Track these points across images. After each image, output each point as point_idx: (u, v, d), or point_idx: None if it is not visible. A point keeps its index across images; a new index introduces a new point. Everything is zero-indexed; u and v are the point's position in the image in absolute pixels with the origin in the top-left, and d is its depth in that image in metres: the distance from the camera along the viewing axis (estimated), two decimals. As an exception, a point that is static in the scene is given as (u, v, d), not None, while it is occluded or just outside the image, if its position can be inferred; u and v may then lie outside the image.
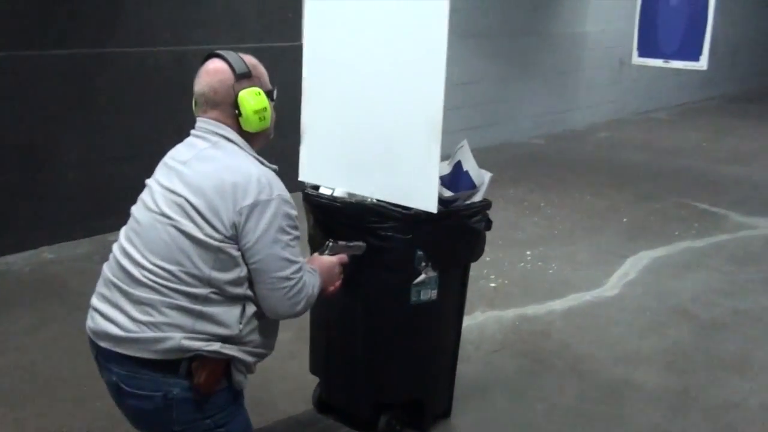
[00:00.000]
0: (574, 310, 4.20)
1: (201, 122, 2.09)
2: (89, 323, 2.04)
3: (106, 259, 2.10)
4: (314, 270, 2.18)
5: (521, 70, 8.47)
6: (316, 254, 2.41)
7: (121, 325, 1.94)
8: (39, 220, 4.82)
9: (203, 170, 1.98)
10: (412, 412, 2.92)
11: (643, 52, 6.60)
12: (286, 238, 1.98)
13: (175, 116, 5.35)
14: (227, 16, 5.55)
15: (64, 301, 4.07)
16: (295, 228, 2.03)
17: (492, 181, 2.86)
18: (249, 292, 1.99)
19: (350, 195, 2.76)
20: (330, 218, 2.74)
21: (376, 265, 2.65)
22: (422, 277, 2.70)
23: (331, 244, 2.42)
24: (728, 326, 4.05)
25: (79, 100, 4.88)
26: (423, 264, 2.69)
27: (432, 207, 2.56)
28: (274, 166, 2.10)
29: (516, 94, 8.49)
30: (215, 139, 2.05)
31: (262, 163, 2.06)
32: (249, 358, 2.03)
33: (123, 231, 2.08)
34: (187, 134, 2.12)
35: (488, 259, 4.13)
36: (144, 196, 2.08)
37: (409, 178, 2.57)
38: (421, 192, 2.56)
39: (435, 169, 2.54)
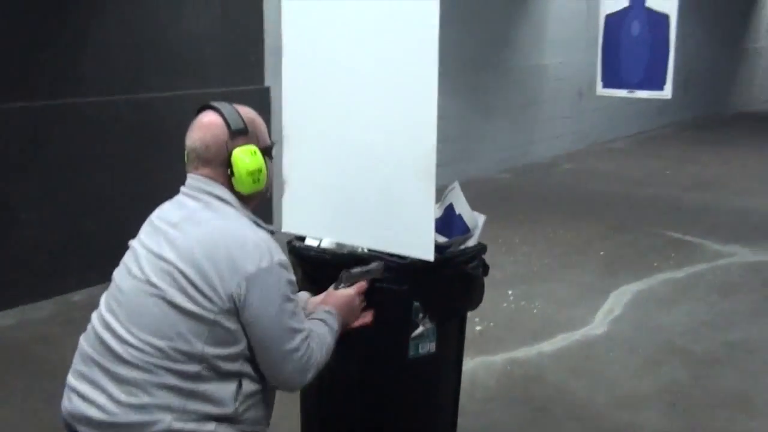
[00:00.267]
0: (565, 351, 4.06)
1: (192, 179, 1.91)
2: (65, 404, 1.82)
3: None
4: (331, 312, 2.03)
5: (482, 105, 8.43)
6: (331, 289, 2.22)
7: (102, 407, 1.73)
8: (-6, 282, 4.53)
9: (195, 235, 1.79)
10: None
11: (608, 83, 6.58)
12: (290, 306, 1.81)
13: (138, 167, 5.17)
14: (188, 60, 5.35)
15: (27, 371, 3.79)
16: (296, 292, 1.86)
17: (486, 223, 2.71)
18: (245, 368, 1.80)
19: (339, 245, 2.58)
20: (319, 271, 2.55)
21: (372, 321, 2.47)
22: (420, 329, 2.53)
23: (345, 274, 2.22)
24: (722, 361, 3.94)
25: (34, 154, 4.62)
26: (420, 315, 2.52)
27: (429, 255, 2.39)
28: (271, 227, 1.92)
29: (478, 129, 8.43)
30: (207, 198, 1.87)
31: (258, 225, 1.89)
32: None
33: (104, 299, 1.87)
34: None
35: (473, 302, 3.96)
36: (127, 260, 1.87)
37: (404, 225, 2.40)
38: (417, 239, 2.39)
39: (430, 213, 2.38)
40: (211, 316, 1.73)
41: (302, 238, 2.67)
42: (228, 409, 1.77)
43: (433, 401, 2.71)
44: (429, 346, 2.57)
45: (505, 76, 8.72)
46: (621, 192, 7.85)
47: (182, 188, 1.92)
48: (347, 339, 2.34)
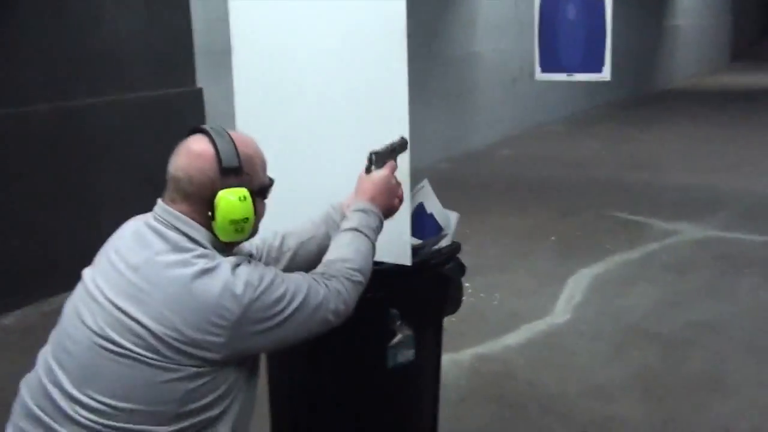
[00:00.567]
0: (531, 343, 3.97)
1: (164, 212, 1.63)
2: None
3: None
4: (365, 209, 1.88)
5: (418, 95, 8.29)
6: (362, 174, 2.01)
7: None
8: None
9: (162, 285, 1.53)
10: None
11: (546, 67, 6.51)
12: (281, 305, 1.62)
13: (64, 181, 4.81)
14: (110, 63, 4.97)
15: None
16: (282, 281, 1.64)
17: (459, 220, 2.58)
18: (221, 410, 1.59)
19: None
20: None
21: (346, 332, 2.31)
22: (398, 337, 2.38)
23: (374, 156, 2.05)
24: (688, 342, 3.91)
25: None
26: (398, 323, 2.37)
27: (406, 259, 2.26)
28: (247, 250, 1.72)
29: (415, 119, 8.28)
30: (177, 238, 1.59)
31: (232, 252, 1.67)
32: None
33: (51, 342, 1.62)
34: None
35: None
36: (78, 301, 1.60)
37: (377, 229, 2.26)
38: (392, 243, 2.25)
39: (406, 216, 2.25)
40: (193, 369, 1.52)
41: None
42: None
43: (414, 410, 2.58)
44: (408, 354, 2.43)
45: (440, 65, 8.61)
46: (563, 175, 7.84)
47: (149, 220, 1.65)
48: (322, 352, 2.19)
